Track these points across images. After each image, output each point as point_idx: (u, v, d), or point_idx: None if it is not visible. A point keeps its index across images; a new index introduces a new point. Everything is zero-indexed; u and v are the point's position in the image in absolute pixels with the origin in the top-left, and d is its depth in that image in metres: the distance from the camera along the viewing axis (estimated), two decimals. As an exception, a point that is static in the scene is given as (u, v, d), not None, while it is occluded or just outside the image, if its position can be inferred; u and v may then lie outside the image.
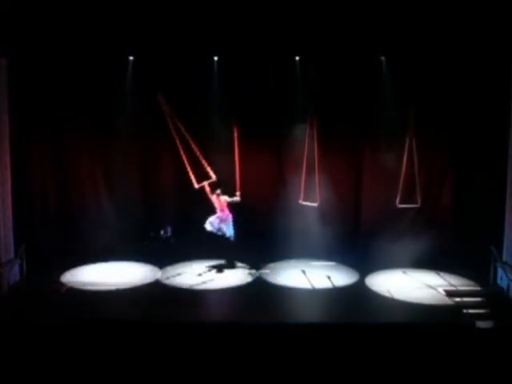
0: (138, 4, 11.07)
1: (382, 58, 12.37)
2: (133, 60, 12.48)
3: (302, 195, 12.64)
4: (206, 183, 12.49)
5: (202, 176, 12.54)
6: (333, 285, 11.75)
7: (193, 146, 12.45)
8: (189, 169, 12.41)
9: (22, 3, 10.93)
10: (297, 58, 12.44)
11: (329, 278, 12.05)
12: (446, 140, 12.93)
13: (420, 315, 10.25)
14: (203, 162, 12.48)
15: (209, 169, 12.52)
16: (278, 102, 13.02)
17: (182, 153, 12.41)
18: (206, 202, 12.95)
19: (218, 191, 12.47)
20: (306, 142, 12.60)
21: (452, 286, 11.59)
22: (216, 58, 12.57)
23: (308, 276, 12.22)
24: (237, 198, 12.45)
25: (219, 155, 12.96)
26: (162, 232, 13.66)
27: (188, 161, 12.43)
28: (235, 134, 12.53)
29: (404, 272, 12.41)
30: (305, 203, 12.62)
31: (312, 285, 11.72)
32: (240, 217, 13.08)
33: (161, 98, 12.41)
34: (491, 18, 10.83)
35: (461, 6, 10.82)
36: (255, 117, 12.99)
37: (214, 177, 12.52)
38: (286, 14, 11.10)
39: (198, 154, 12.45)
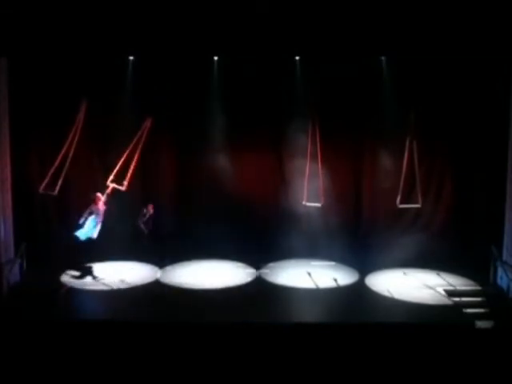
0: (138, 4, 11.05)
1: (382, 58, 12.37)
2: (133, 60, 12.48)
3: (305, 196, 12.59)
4: (111, 186, 12.08)
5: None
6: (333, 284, 11.75)
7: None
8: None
9: (22, 3, 10.93)
10: (297, 57, 12.44)
11: (335, 280, 12.05)
12: (446, 140, 12.92)
13: (420, 315, 10.26)
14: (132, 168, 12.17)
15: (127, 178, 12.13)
16: (278, 102, 13.02)
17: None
18: (206, 202, 13.04)
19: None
20: (308, 143, 12.58)
21: (452, 285, 11.60)
22: (216, 58, 12.58)
23: (308, 276, 12.23)
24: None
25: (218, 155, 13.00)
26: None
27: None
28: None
29: (404, 272, 12.41)
30: (309, 204, 12.57)
31: (312, 285, 11.73)
32: (240, 217, 13.13)
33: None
34: (492, 18, 10.82)
35: (461, 6, 10.81)
36: (255, 117, 12.99)
37: (124, 187, 12.11)
38: (285, 13, 11.09)
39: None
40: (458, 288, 11.47)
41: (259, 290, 11.61)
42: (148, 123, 12.36)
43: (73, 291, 11.36)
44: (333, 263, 12.96)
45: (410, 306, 10.62)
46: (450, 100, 12.59)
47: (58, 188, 11.96)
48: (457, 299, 10.97)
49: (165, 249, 13.05)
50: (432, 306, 10.63)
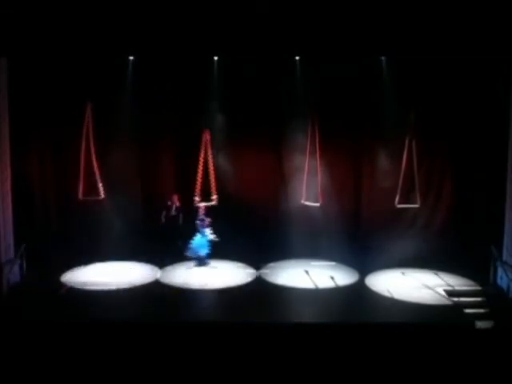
0: (138, 4, 11.05)
1: (382, 58, 12.37)
2: (133, 60, 12.48)
3: (304, 195, 12.63)
4: (203, 205, 12.56)
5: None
6: (333, 284, 11.75)
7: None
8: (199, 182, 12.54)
9: (22, 3, 10.92)
10: (297, 57, 12.44)
11: (332, 278, 12.05)
12: (445, 140, 12.91)
13: (420, 315, 10.25)
14: (213, 180, 12.56)
15: (214, 191, 12.55)
16: (278, 102, 13.01)
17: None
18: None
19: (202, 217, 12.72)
20: (307, 142, 12.59)
21: (452, 285, 11.60)
22: (216, 58, 12.58)
23: (308, 276, 12.23)
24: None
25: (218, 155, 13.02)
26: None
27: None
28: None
29: (404, 272, 12.41)
30: (307, 203, 12.60)
31: (312, 285, 11.73)
32: (240, 217, 13.12)
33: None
34: (492, 18, 10.82)
35: (461, 6, 10.81)
36: (255, 117, 12.99)
37: (215, 201, 12.56)
38: (285, 13, 11.09)
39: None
40: (458, 288, 11.47)
41: (259, 289, 11.61)
42: (208, 136, 12.51)
43: (73, 291, 11.36)
44: (333, 263, 12.96)
45: (410, 306, 10.62)
46: (450, 100, 12.58)
47: (102, 191, 12.20)
48: (457, 299, 10.97)
49: (165, 249, 13.05)
50: (432, 306, 10.63)
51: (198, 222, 12.63)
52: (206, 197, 12.59)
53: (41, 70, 12.42)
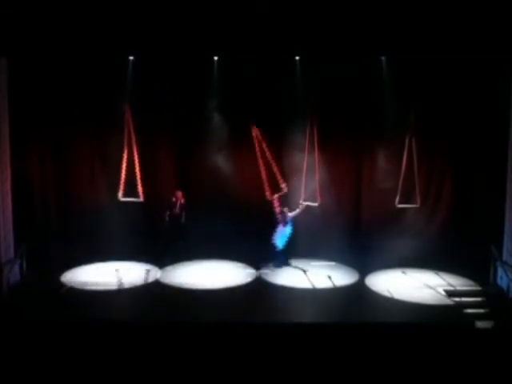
0: (138, 4, 11.05)
1: (382, 58, 12.37)
2: (133, 60, 12.48)
3: (302, 195, 12.64)
4: (276, 196, 12.55)
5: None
6: (333, 284, 11.75)
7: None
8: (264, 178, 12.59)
9: (22, 3, 10.92)
10: (297, 57, 12.44)
11: (329, 277, 12.06)
12: (445, 140, 12.92)
13: (420, 315, 10.26)
14: (276, 170, 12.60)
15: (281, 179, 12.57)
16: (278, 102, 13.00)
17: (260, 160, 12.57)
18: (206, 202, 13.02)
19: (286, 209, 12.66)
20: (306, 142, 12.59)
21: (452, 285, 11.60)
22: (216, 58, 12.58)
23: (308, 276, 12.23)
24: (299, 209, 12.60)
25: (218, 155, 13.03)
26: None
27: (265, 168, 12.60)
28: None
29: (404, 272, 12.42)
30: (306, 203, 12.62)
31: (312, 285, 11.72)
32: (240, 217, 13.12)
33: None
34: (492, 18, 10.81)
35: (461, 6, 10.81)
36: (255, 117, 12.98)
37: (285, 189, 12.56)
38: (285, 13, 11.08)
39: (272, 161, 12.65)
40: (458, 288, 11.47)
41: (259, 290, 11.61)
42: (256, 131, 12.58)
43: (73, 291, 11.36)
44: (333, 263, 12.96)
45: (410, 306, 10.62)
46: (450, 100, 12.59)
47: (142, 195, 12.25)
48: (457, 299, 10.97)
49: (165, 249, 13.05)
50: (432, 306, 10.63)
51: (278, 216, 12.60)
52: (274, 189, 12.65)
53: (41, 70, 12.41)
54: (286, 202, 12.91)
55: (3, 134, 11.70)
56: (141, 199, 12.28)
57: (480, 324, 9.98)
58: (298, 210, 12.60)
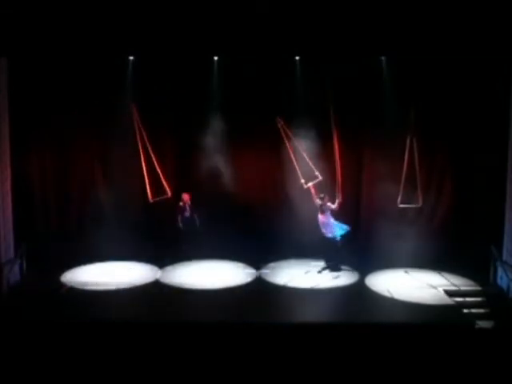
0: (138, 4, 11.05)
1: (382, 58, 12.36)
2: (133, 60, 12.48)
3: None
4: (311, 184, 12.40)
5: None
6: (335, 285, 11.76)
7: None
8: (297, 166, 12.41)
9: (22, 3, 10.92)
10: (297, 57, 12.43)
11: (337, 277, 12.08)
12: (446, 140, 12.91)
13: (420, 315, 10.26)
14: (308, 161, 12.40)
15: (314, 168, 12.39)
16: (278, 102, 13.00)
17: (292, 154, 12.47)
18: (206, 202, 13.01)
19: (322, 195, 12.42)
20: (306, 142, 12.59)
21: (452, 285, 11.60)
22: (216, 58, 12.58)
23: (308, 276, 12.23)
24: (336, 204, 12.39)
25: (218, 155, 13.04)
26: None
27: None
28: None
29: (404, 272, 12.42)
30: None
31: (312, 285, 11.73)
32: (239, 216, 13.12)
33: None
34: (492, 18, 10.82)
35: (461, 6, 10.81)
36: (255, 117, 12.98)
37: (320, 177, 12.41)
38: (285, 13, 11.09)
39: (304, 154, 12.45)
40: (458, 288, 11.47)
41: (259, 289, 11.61)
42: (281, 122, 12.50)
43: (73, 291, 11.36)
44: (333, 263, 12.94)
45: (410, 306, 10.62)
46: (450, 100, 12.57)
47: (169, 191, 12.46)
48: (457, 299, 10.97)
49: (165, 249, 13.05)
50: (432, 306, 10.63)
51: (319, 203, 12.36)
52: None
53: (41, 70, 12.41)
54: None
55: (3, 134, 11.71)
56: (168, 195, 12.46)
57: (480, 324, 9.99)
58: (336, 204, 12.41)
